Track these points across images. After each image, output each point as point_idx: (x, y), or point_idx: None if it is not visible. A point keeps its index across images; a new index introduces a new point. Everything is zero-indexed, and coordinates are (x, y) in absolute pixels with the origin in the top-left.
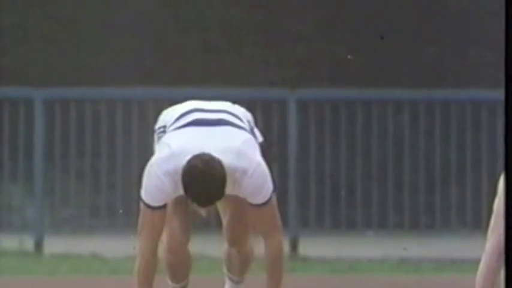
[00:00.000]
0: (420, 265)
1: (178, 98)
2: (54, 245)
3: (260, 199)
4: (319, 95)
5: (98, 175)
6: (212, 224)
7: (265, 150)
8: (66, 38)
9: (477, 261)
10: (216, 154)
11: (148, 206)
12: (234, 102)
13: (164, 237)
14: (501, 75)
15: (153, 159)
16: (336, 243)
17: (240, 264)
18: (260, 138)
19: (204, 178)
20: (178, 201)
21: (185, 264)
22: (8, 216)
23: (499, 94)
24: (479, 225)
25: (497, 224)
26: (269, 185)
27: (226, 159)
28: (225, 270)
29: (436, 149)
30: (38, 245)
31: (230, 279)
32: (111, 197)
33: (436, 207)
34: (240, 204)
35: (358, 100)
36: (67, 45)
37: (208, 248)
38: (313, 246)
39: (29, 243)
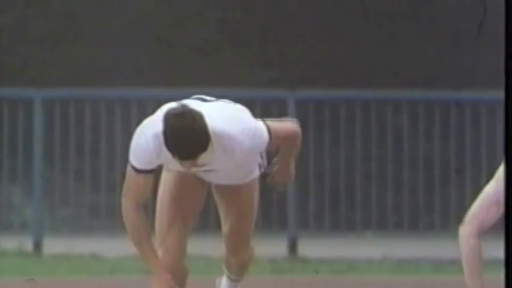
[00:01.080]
0: (419, 265)
1: (178, 98)
2: (53, 245)
3: (261, 141)
4: (319, 95)
5: (98, 175)
6: (210, 225)
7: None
8: (66, 38)
9: None
10: (207, 118)
11: (134, 168)
12: (234, 102)
13: (159, 253)
14: (501, 76)
15: (144, 122)
16: (335, 244)
17: (239, 267)
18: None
19: (182, 129)
20: (173, 216)
21: (180, 279)
22: (7, 217)
23: (499, 95)
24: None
25: (483, 209)
26: (256, 127)
27: (216, 123)
28: (224, 267)
29: (435, 149)
30: (38, 246)
31: (228, 276)
32: (110, 197)
33: (436, 208)
34: (241, 213)
35: (357, 100)
36: (66, 45)
37: (207, 248)
38: (312, 247)
39: (28, 244)
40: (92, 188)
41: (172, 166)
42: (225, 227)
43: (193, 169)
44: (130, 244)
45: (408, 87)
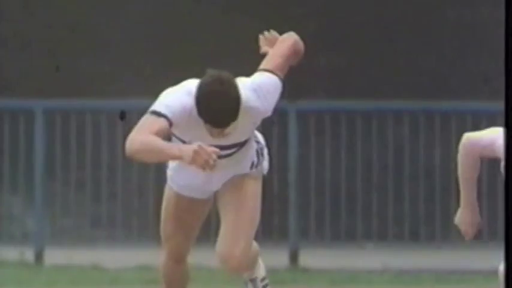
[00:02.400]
0: (420, 276)
1: None
2: (54, 256)
3: (276, 91)
4: (319, 106)
5: (98, 186)
6: (212, 235)
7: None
8: (67, 49)
9: (477, 273)
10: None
11: (155, 112)
12: None
13: (167, 249)
14: (501, 87)
15: (184, 82)
16: (336, 254)
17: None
18: (265, 169)
19: (219, 95)
20: (183, 214)
21: (183, 277)
22: (8, 227)
23: (499, 105)
24: (480, 236)
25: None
26: (260, 75)
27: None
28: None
29: (436, 160)
30: (39, 256)
31: (245, 283)
32: (111, 207)
33: (436, 219)
34: (241, 207)
35: (358, 111)
36: (67, 56)
37: (208, 258)
38: (313, 258)
39: (29, 254)
40: (92, 198)
41: (190, 136)
42: (223, 224)
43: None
44: (131, 254)
45: (409, 98)
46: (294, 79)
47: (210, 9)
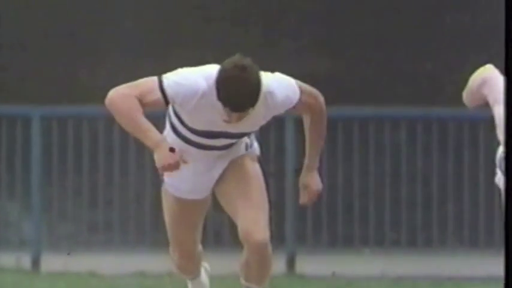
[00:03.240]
0: (417, 282)
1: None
2: (51, 262)
3: (295, 96)
4: None
5: (95, 192)
6: (224, 242)
7: (262, 166)
8: (64, 55)
9: (474, 279)
10: None
11: (160, 82)
12: None
13: (179, 252)
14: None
15: (202, 67)
16: (333, 260)
17: (258, 270)
18: (257, 151)
19: (241, 80)
20: (190, 217)
21: (197, 264)
22: (5, 234)
23: None
24: (477, 242)
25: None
26: (294, 83)
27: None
28: (242, 281)
29: (433, 167)
30: (35, 262)
31: None
32: (108, 214)
33: (433, 225)
34: (250, 187)
35: (355, 117)
36: (64, 62)
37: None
38: (310, 264)
39: (26, 260)
40: (89, 204)
41: (198, 120)
42: (239, 219)
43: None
44: (128, 261)
45: (406, 104)
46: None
47: (210, 19)
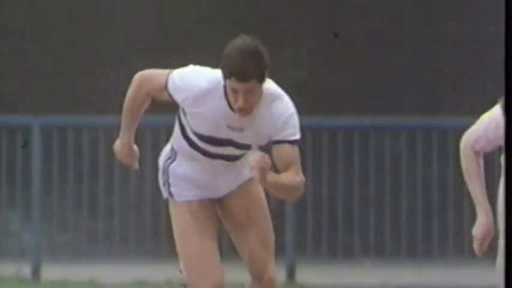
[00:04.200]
0: None
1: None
2: (51, 271)
3: (290, 132)
4: (317, 122)
5: (96, 202)
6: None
7: None
8: (64, 65)
9: None
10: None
11: (167, 76)
12: None
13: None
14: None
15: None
16: (333, 270)
17: None
18: None
19: (246, 48)
20: (202, 222)
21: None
22: (5, 243)
23: None
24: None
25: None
26: (298, 128)
27: (272, 84)
28: None
29: (434, 176)
30: (36, 272)
31: None
32: (108, 223)
33: (434, 235)
34: (260, 231)
35: (356, 127)
36: (64, 72)
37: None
38: (310, 274)
39: (26, 270)
40: (90, 214)
41: (209, 124)
42: (245, 251)
43: (227, 129)
44: (128, 270)
45: (406, 114)
46: (290, 96)
47: (209, 26)
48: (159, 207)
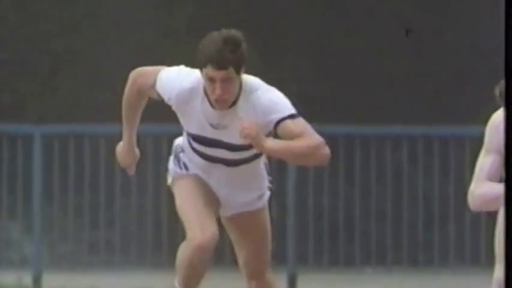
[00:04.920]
0: None
1: (176, 133)
2: (52, 281)
3: (282, 110)
4: (318, 131)
5: (97, 211)
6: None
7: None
8: (65, 74)
9: None
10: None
11: (155, 81)
12: None
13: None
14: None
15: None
16: (334, 280)
17: None
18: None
19: (224, 36)
20: (200, 206)
21: (204, 269)
22: (6, 252)
23: None
24: (478, 262)
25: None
26: (289, 104)
27: (252, 78)
28: None
29: (435, 186)
30: (37, 281)
31: None
32: (109, 233)
33: (435, 244)
34: (256, 238)
35: (357, 136)
36: (65, 81)
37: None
38: (311, 283)
39: (27, 279)
40: (90, 223)
41: (194, 122)
42: (241, 256)
43: (210, 129)
44: (129, 280)
45: (408, 123)
46: (292, 104)
47: None
48: (160, 217)
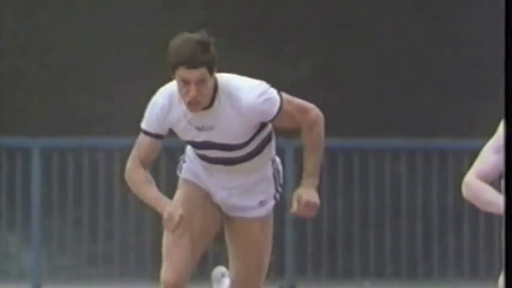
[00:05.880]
0: None
1: (177, 147)
2: None
3: (271, 101)
4: None
5: (95, 224)
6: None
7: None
8: (63, 86)
9: None
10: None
11: (141, 129)
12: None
13: (163, 267)
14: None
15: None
16: None
17: None
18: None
19: (187, 38)
20: (181, 233)
21: None
22: (5, 265)
23: None
24: (477, 273)
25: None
26: (269, 90)
27: (225, 76)
28: None
29: (433, 198)
30: None
31: None
32: (108, 246)
33: (434, 257)
34: (250, 257)
35: (355, 149)
36: (64, 94)
37: None
38: None
39: None
40: (89, 236)
41: (182, 130)
42: (232, 272)
43: (196, 132)
44: None
45: (406, 135)
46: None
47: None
48: (159, 229)
